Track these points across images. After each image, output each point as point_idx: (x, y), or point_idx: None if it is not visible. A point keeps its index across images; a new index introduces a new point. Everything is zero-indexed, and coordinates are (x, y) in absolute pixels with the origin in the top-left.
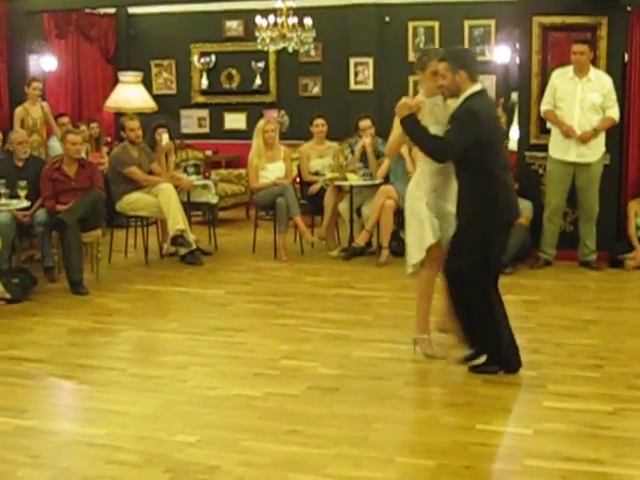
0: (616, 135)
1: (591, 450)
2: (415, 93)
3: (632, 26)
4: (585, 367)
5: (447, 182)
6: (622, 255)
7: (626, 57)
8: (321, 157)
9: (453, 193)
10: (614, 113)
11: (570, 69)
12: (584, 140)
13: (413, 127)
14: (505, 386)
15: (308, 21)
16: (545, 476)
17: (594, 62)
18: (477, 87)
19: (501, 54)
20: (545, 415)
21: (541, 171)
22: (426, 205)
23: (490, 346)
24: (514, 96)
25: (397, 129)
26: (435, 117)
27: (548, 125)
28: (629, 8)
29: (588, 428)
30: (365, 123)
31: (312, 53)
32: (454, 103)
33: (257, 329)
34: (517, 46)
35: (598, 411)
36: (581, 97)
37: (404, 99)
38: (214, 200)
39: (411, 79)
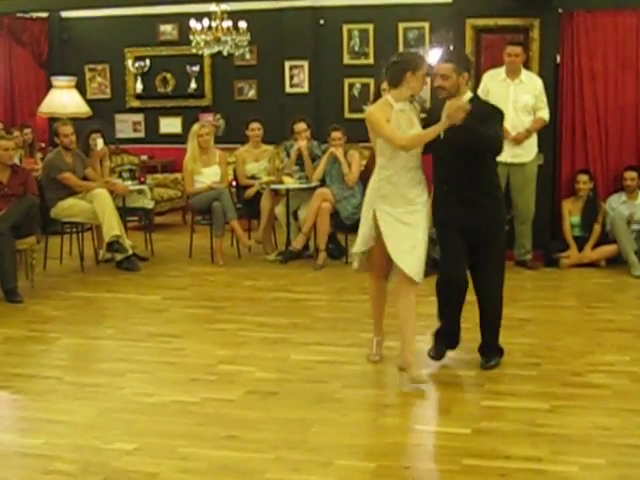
0: (549, 135)
1: (529, 448)
2: (350, 96)
3: (564, 28)
4: (522, 366)
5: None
6: (557, 254)
7: (558, 58)
8: (257, 161)
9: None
10: (545, 114)
11: (502, 71)
12: (518, 141)
13: (472, 126)
14: (443, 386)
15: (243, 24)
16: (484, 475)
17: (526, 64)
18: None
19: (435, 57)
20: (483, 414)
21: None
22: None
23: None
24: None
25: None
26: (398, 122)
27: None
28: (561, 10)
29: (526, 426)
30: (300, 126)
31: (247, 56)
32: (414, 109)
33: (194, 334)
34: (451, 48)
35: (535, 409)
36: (514, 99)
37: (455, 102)
38: (150, 205)
39: (346, 81)
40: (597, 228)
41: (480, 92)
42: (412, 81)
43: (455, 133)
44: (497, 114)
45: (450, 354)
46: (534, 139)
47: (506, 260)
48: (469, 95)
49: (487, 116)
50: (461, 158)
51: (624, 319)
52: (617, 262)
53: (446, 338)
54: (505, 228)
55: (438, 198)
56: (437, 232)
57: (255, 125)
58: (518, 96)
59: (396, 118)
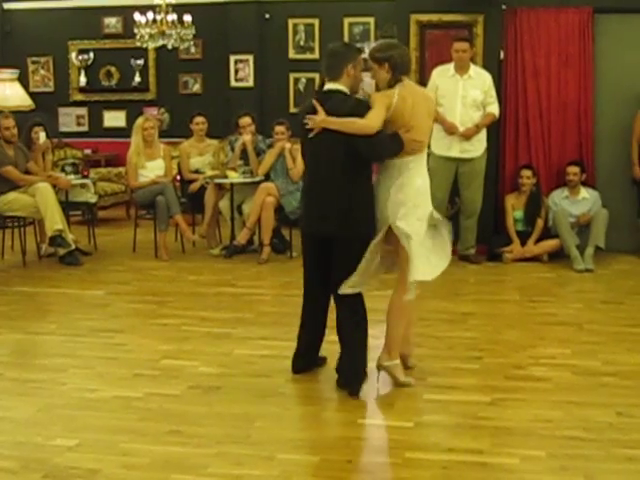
0: (493, 131)
1: (471, 440)
2: (295, 91)
3: (507, 24)
4: (464, 359)
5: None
6: (500, 248)
7: (502, 54)
8: (201, 155)
9: None
10: (494, 109)
11: (451, 67)
12: (467, 136)
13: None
14: (386, 380)
15: (188, 18)
16: (426, 468)
17: (471, 59)
18: None
19: None
20: (426, 407)
21: None
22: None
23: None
24: None
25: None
26: None
27: None
28: (504, 6)
29: (468, 419)
30: (245, 120)
31: (192, 50)
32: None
33: (137, 329)
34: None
35: (477, 402)
36: (463, 94)
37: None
38: (93, 199)
39: (292, 76)
40: (540, 223)
41: (429, 88)
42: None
43: None
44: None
45: None
46: (483, 135)
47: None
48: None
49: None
50: None
51: (566, 312)
52: (559, 256)
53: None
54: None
55: None
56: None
57: (199, 119)
58: (467, 91)
59: None
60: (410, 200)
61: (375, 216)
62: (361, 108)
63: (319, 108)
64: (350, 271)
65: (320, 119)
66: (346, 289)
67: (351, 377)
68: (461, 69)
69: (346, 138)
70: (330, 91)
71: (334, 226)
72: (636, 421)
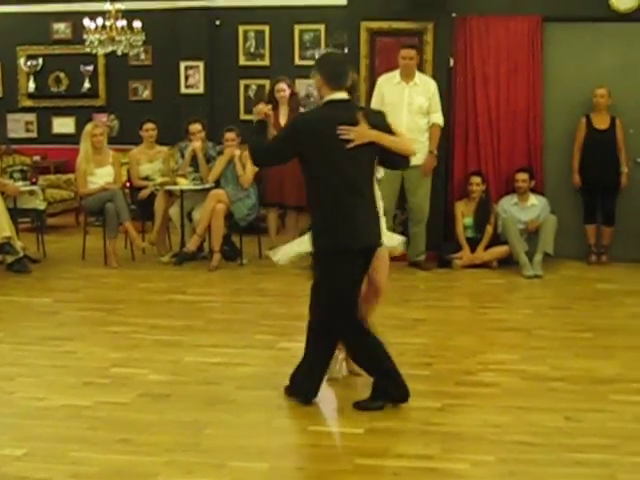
0: (442, 138)
1: (421, 446)
2: (246, 97)
3: (457, 32)
4: (415, 365)
5: None
6: (450, 255)
7: (451, 62)
8: (151, 162)
9: None
10: (438, 118)
11: (396, 74)
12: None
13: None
14: (337, 387)
15: (137, 24)
16: (376, 474)
17: (420, 67)
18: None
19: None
20: (376, 414)
21: None
22: None
23: None
24: None
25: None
26: None
27: None
28: (454, 14)
29: (418, 425)
30: (195, 127)
31: (142, 57)
32: None
33: (86, 337)
34: (346, 50)
35: (428, 408)
36: (408, 101)
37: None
38: (42, 206)
39: (242, 83)
40: (489, 229)
41: (375, 96)
42: None
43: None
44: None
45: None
46: (427, 141)
47: (399, 261)
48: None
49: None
50: None
51: (515, 318)
52: (509, 263)
53: None
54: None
55: None
56: None
57: (149, 126)
58: (413, 99)
59: None
60: None
61: None
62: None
63: (363, 120)
64: None
65: (373, 133)
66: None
67: None
68: (407, 76)
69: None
70: (347, 101)
71: (378, 236)
72: (584, 425)
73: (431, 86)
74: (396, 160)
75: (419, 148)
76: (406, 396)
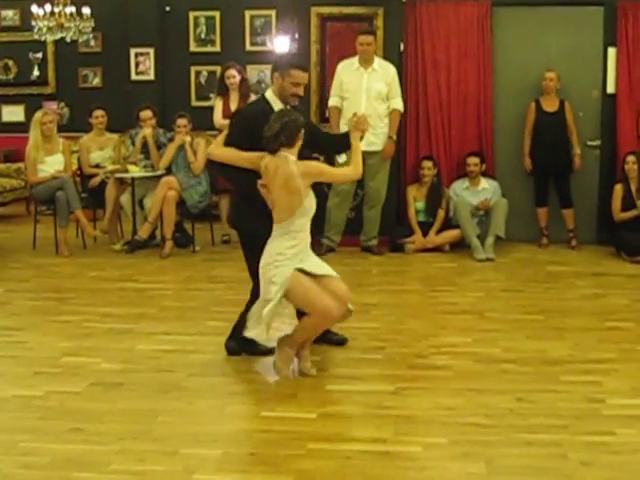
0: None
1: (374, 430)
2: (197, 84)
3: (407, 16)
4: (367, 350)
5: None
6: (402, 239)
7: (402, 47)
8: (101, 149)
9: None
10: (398, 104)
11: (355, 60)
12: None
13: None
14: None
15: (86, 10)
16: (329, 458)
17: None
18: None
19: (281, 44)
20: (329, 398)
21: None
22: None
23: None
24: None
25: None
26: None
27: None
28: None
29: (371, 409)
30: (146, 114)
31: (92, 43)
32: None
33: (37, 327)
34: (296, 36)
35: (380, 392)
36: (367, 87)
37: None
38: None
39: (193, 69)
40: (441, 213)
41: (335, 82)
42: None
43: None
44: None
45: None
46: (387, 128)
47: (351, 246)
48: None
49: None
50: None
51: (466, 301)
52: (460, 246)
53: None
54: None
55: None
56: None
57: (99, 112)
58: (371, 84)
59: None
60: None
61: None
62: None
63: None
64: None
65: None
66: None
67: None
68: (365, 62)
69: None
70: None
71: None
72: (535, 406)
73: (390, 71)
74: None
75: (378, 134)
76: None
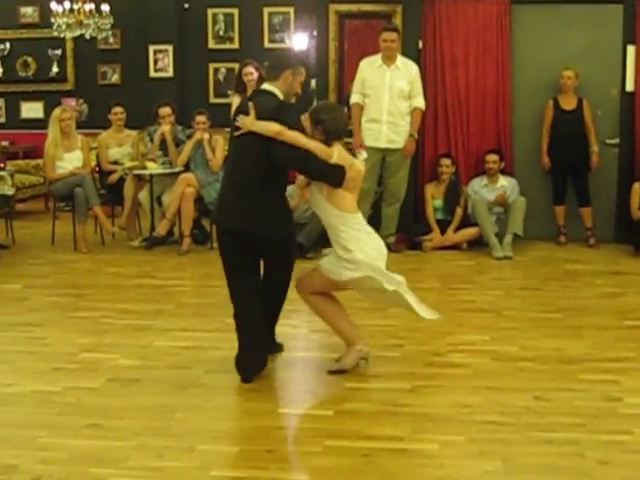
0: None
1: (391, 427)
2: (215, 81)
3: (426, 14)
4: (385, 347)
5: None
6: (420, 237)
7: (420, 44)
8: (120, 146)
9: None
10: (420, 102)
11: (378, 57)
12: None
13: None
14: (307, 369)
15: (105, 7)
16: (346, 455)
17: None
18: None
19: (300, 41)
20: (346, 396)
21: None
22: None
23: None
24: (312, 83)
25: None
26: None
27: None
28: None
29: (388, 406)
30: (165, 110)
31: (110, 40)
32: None
33: (56, 323)
34: (315, 33)
35: (397, 389)
36: (390, 84)
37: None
38: (10, 192)
39: (211, 66)
40: (459, 211)
41: (357, 79)
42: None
43: None
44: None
45: (313, 337)
46: (409, 126)
47: None
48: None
49: None
50: None
51: (484, 299)
52: (478, 244)
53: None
54: None
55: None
56: None
57: (118, 109)
58: (394, 82)
59: None
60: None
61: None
62: (280, 112)
63: (252, 110)
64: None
65: (250, 122)
66: None
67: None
68: (388, 59)
69: (264, 142)
70: (263, 91)
71: (249, 224)
72: (553, 405)
73: (413, 70)
74: (279, 158)
75: (400, 132)
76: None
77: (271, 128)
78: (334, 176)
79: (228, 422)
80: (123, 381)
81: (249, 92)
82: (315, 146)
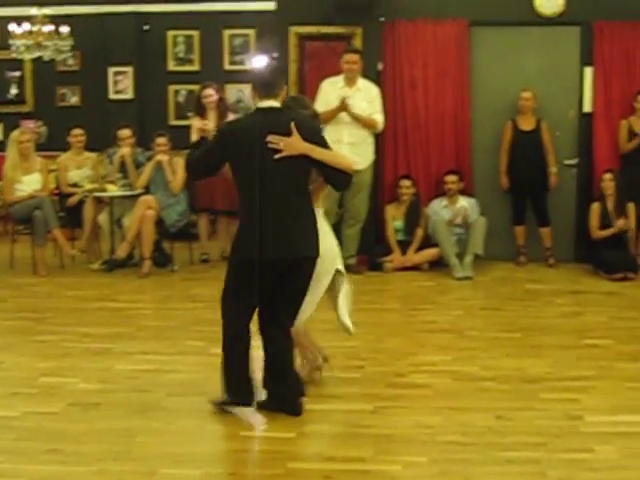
0: (374, 142)
1: (353, 449)
2: (175, 103)
3: (385, 36)
4: (346, 368)
5: None
6: (381, 258)
7: (380, 66)
8: (79, 168)
9: None
10: (379, 117)
11: (340, 79)
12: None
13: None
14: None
15: (65, 29)
16: (308, 477)
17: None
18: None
19: (260, 63)
20: (308, 418)
21: None
22: None
23: None
24: None
25: None
26: None
27: None
28: (382, 19)
29: (350, 428)
30: (124, 132)
31: (70, 62)
32: None
33: (14, 347)
34: (275, 55)
35: (359, 410)
36: (351, 106)
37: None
38: None
39: (171, 88)
40: (419, 232)
41: (320, 97)
42: None
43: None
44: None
45: None
46: (370, 147)
47: None
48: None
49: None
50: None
51: (445, 320)
52: (439, 265)
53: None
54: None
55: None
56: None
57: (77, 131)
58: (356, 103)
59: None
60: None
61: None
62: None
63: (295, 131)
64: None
65: (304, 146)
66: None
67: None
68: (350, 81)
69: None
70: (274, 109)
71: (296, 247)
72: (514, 424)
73: (373, 91)
74: (334, 176)
75: (361, 153)
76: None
77: (315, 149)
78: (350, 180)
79: (190, 445)
80: (83, 405)
81: (209, 114)
82: (342, 157)
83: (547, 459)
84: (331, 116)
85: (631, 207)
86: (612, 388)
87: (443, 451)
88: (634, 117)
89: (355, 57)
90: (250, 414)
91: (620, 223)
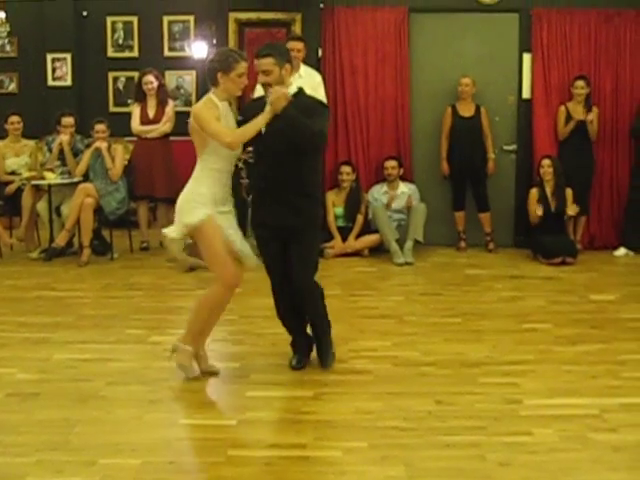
0: None
1: (294, 435)
2: (115, 90)
3: (325, 22)
4: (287, 355)
5: (226, 190)
6: (322, 244)
7: (320, 52)
8: (17, 156)
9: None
10: None
11: None
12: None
13: (296, 116)
14: (208, 380)
15: (1, 15)
16: (249, 465)
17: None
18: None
19: (200, 50)
20: (248, 405)
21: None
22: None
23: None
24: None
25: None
26: (227, 122)
27: None
28: (322, 5)
29: (291, 414)
30: (68, 120)
31: (7, 48)
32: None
33: None
34: (214, 42)
35: (300, 397)
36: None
37: (278, 89)
38: None
39: (111, 75)
40: (360, 218)
41: (258, 86)
42: (225, 82)
43: (278, 126)
44: (323, 109)
45: (213, 346)
46: None
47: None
48: (294, 87)
49: (312, 110)
50: (282, 154)
51: (386, 305)
52: (379, 251)
53: (299, 348)
54: (318, 225)
55: (255, 197)
56: (255, 235)
57: (15, 119)
58: None
59: (224, 116)
60: None
61: None
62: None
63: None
64: None
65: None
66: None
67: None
68: (293, 68)
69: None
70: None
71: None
72: (454, 408)
73: (316, 78)
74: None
75: None
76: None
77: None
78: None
79: (129, 434)
80: (22, 395)
81: (149, 101)
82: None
83: (487, 443)
84: None
85: (569, 192)
86: (550, 372)
87: (383, 436)
88: (572, 103)
89: (299, 45)
90: None
91: (573, 208)
